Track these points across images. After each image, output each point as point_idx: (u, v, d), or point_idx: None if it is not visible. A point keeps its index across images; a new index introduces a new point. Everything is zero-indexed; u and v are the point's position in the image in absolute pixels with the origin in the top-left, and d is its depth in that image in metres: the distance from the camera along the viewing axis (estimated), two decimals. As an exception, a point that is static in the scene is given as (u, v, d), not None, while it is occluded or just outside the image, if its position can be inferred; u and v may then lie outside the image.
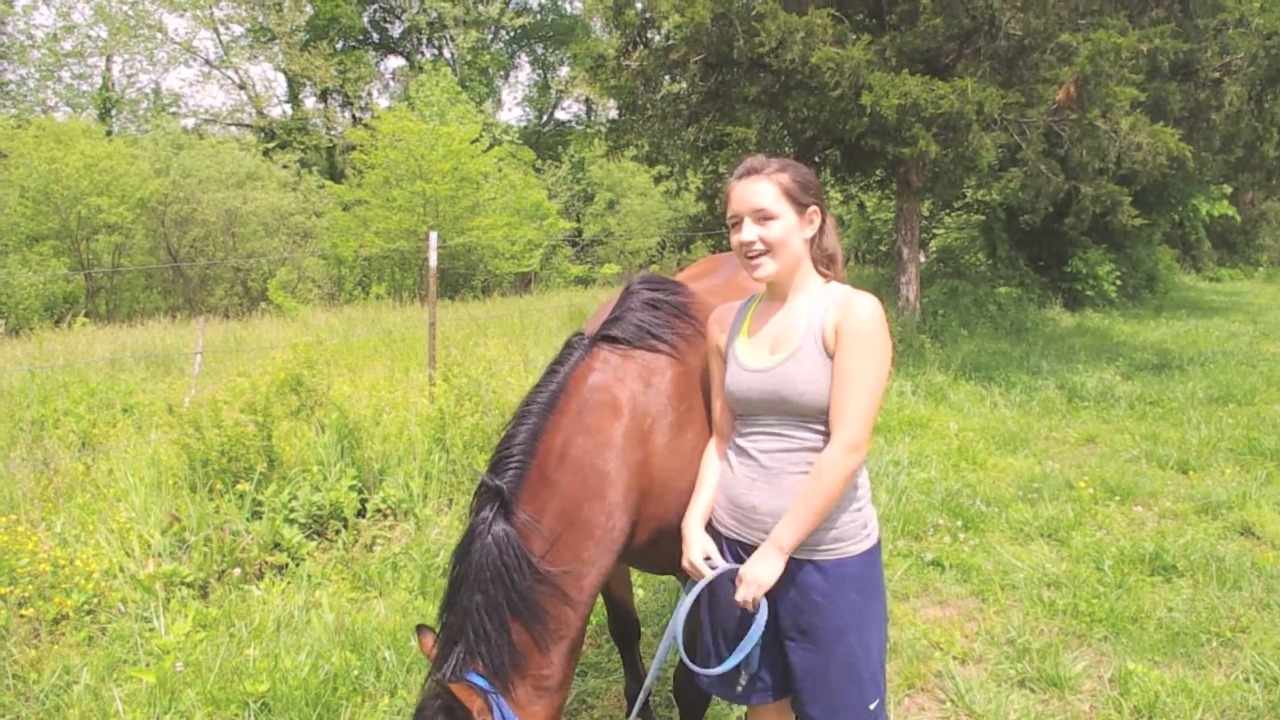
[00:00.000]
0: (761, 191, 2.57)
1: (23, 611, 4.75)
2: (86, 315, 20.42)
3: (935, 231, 24.05)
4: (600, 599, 3.95)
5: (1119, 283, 19.87)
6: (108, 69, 40.86)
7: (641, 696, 2.89)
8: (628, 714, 4.08)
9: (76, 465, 6.82)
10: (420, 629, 2.82)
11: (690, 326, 3.06)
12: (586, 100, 47.39)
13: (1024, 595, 5.33)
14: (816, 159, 15.86)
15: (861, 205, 22.54)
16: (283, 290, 21.58)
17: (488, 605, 2.61)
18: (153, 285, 27.58)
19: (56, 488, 6.37)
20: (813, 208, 2.63)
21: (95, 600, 4.95)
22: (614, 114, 17.59)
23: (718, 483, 2.77)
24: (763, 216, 2.56)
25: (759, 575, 2.51)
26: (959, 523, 6.46)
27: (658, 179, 16.14)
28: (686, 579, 2.88)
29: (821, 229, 2.68)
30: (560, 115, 51.33)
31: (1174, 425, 9.45)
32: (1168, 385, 11.41)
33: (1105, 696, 4.24)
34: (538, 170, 37.79)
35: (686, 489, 2.85)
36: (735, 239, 2.62)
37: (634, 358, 2.93)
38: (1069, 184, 12.87)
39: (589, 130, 37.08)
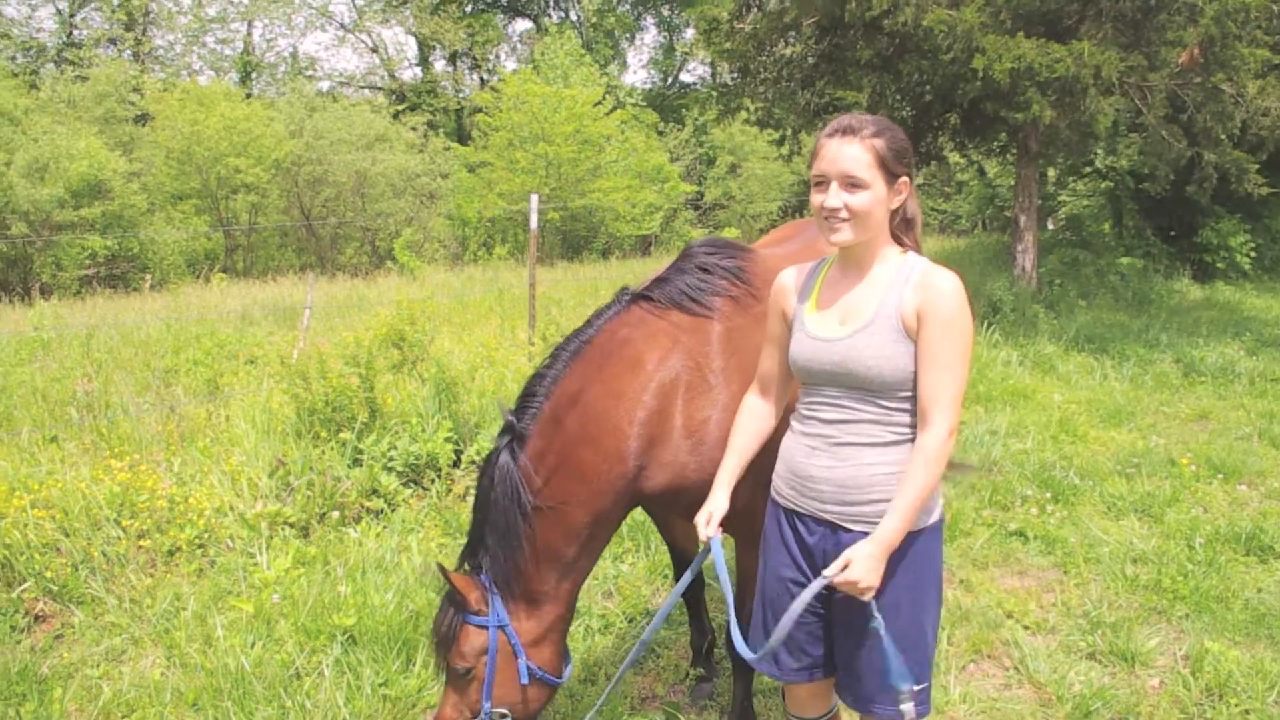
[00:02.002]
0: (855, 157, 2.41)
1: (141, 543, 5.16)
2: (224, 271, 21.36)
3: (1064, 199, 23.26)
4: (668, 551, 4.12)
5: (1254, 254, 18.89)
6: (249, 34, 42.37)
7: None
8: (692, 663, 4.24)
9: (199, 411, 7.27)
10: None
11: (741, 289, 3.14)
12: (711, 63, 47.02)
13: (1107, 570, 5.27)
14: (935, 123, 15.55)
15: (982, 170, 21.96)
16: (408, 250, 22.13)
17: (491, 526, 2.97)
18: (287, 244, 28.63)
19: (180, 431, 6.81)
20: (903, 178, 2.49)
21: (206, 535, 5.34)
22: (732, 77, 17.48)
23: (753, 441, 2.79)
24: (852, 184, 2.41)
25: (859, 576, 2.40)
26: (1048, 495, 6.38)
27: (779, 142, 16.00)
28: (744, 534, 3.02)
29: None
30: (685, 78, 51.06)
31: (1296, 403, 9.08)
32: (1296, 362, 10.91)
33: (1176, 673, 4.20)
34: (660, 133, 37.72)
35: (713, 445, 2.94)
36: (817, 200, 2.47)
37: (668, 317, 3.07)
38: (1191, 150, 12.33)
39: (701, 94, 36.86)
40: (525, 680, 2.99)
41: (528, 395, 3.06)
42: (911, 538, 2.50)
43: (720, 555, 2.78)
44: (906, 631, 2.54)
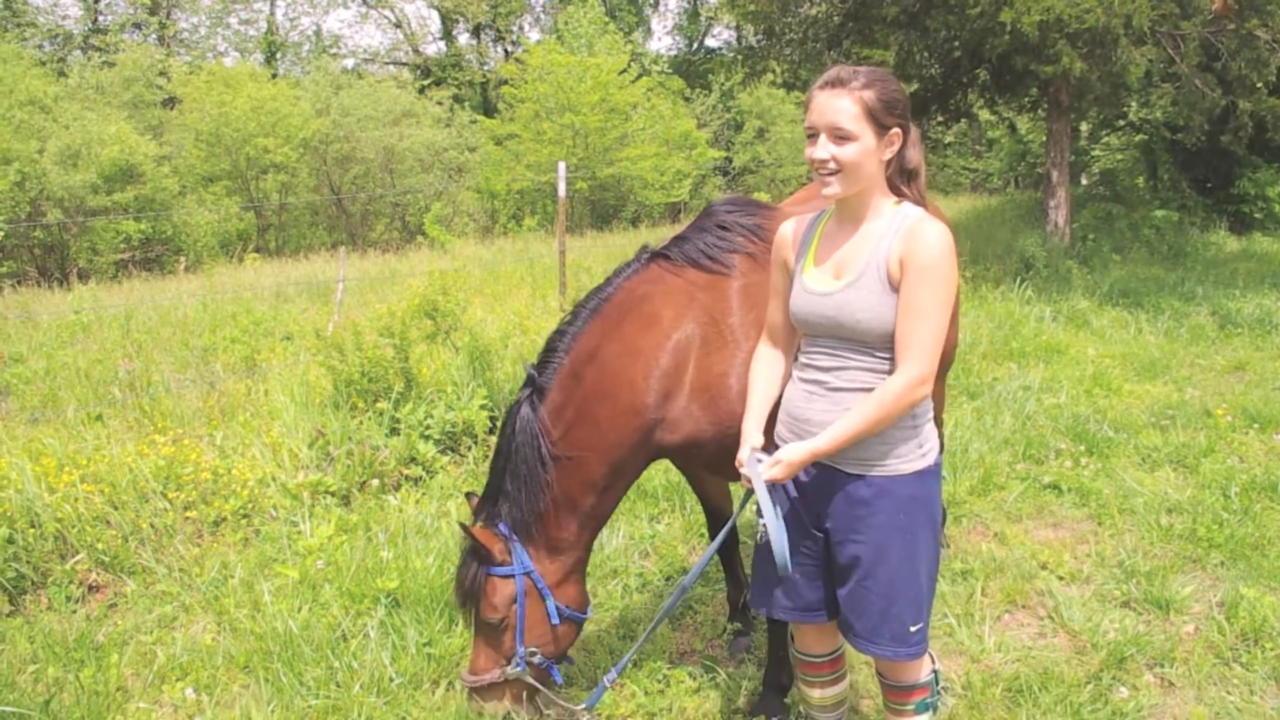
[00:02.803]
0: (842, 109, 2.40)
1: (188, 514, 5.28)
2: (256, 251, 21.55)
3: (1097, 154, 22.94)
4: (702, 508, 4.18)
5: (1293, 204, 18.60)
6: (272, 13, 42.47)
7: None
8: (729, 618, 4.31)
9: (238, 387, 7.39)
10: (469, 494, 3.40)
11: (759, 246, 3.20)
12: (737, 27, 46.61)
13: (1141, 520, 5.27)
14: (964, 80, 15.38)
15: (1013, 127, 21.67)
16: (438, 224, 22.22)
17: (512, 472, 3.09)
18: (318, 222, 28.77)
19: (220, 406, 6.93)
20: (895, 129, 2.47)
21: (250, 506, 5.46)
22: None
23: (771, 387, 2.82)
24: (840, 136, 2.41)
25: (784, 455, 2.56)
26: (1082, 447, 6.38)
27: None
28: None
29: (904, 144, 2.53)
30: (710, 43, 50.62)
31: (1335, 352, 8.99)
32: (1335, 311, 10.76)
33: (1211, 619, 4.21)
34: (687, 99, 37.49)
35: (733, 398, 3.02)
36: (808, 152, 2.47)
37: (685, 275, 3.16)
38: (1226, 99, 12.13)
39: (727, 59, 36.64)
40: (556, 620, 3.15)
41: (549, 351, 3.18)
42: (904, 480, 2.56)
43: (765, 491, 2.65)
44: (897, 573, 2.59)
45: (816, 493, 2.67)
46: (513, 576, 3.08)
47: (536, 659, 3.15)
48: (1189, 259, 15.31)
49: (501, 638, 3.13)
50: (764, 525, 2.63)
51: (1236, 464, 6.09)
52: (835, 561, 2.69)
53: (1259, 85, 12.00)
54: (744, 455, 2.70)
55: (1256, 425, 6.77)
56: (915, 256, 2.41)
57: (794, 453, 2.55)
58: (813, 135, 2.47)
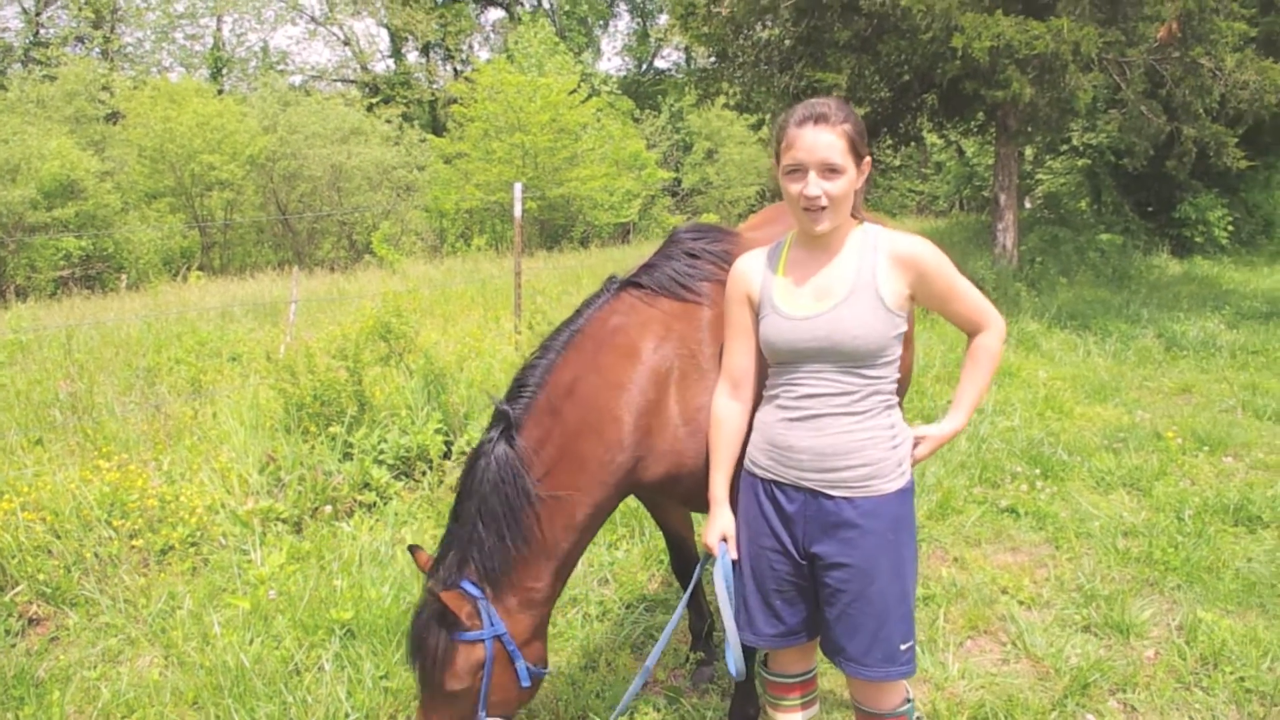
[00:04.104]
0: (832, 145, 2.44)
1: (134, 543, 5.13)
2: (200, 269, 21.20)
3: (1041, 178, 23.37)
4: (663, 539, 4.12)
5: (1231, 228, 19.04)
6: (218, 29, 42.11)
7: (656, 644, 3.04)
8: (692, 647, 4.25)
9: (185, 410, 7.22)
10: (412, 548, 3.07)
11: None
12: (686, 49, 46.96)
13: (1098, 543, 5.31)
14: (913, 104, 15.57)
15: (960, 150, 22.01)
16: (386, 243, 22.00)
17: (486, 516, 2.84)
18: (263, 240, 28.47)
19: (167, 430, 6.76)
20: (866, 158, 2.55)
21: (198, 534, 5.31)
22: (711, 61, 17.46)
23: (736, 446, 2.81)
24: (831, 171, 2.45)
25: (926, 453, 2.76)
26: (1038, 471, 6.43)
27: (755, 126, 15.97)
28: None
29: None
30: (660, 64, 50.97)
31: (1277, 375, 9.16)
32: (1275, 334, 10.98)
33: (1171, 643, 4.23)
34: (636, 120, 37.70)
35: (707, 431, 2.92)
36: (795, 189, 2.49)
37: (659, 304, 3.04)
38: (1170, 125, 12.39)
39: (676, 80, 36.85)
40: (526, 683, 2.90)
41: (519, 385, 2.99)
42: (887, 500, 2.60)
43: (730, 571, 2.80)
44: (887, 592, 2.61)
45: (803, 518, 2.65)
46: (482, 641, 2.79)
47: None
48: (1133, 282, 15.61)
49: (460, 704, 2.83)
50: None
51: (1188, 486, 6.16)
52: (823, 585, 2.67)
53: (1202, 112, 12.26)
54: (711, 539, 2.79)
55: (1206, 448, 6.87)
56: (919, 266, 2.55)
57: (935, 434, 2.76)
58: (797, 172, 2.49)
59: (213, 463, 5.97)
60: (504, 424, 2.91)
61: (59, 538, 5.00)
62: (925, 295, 2.59)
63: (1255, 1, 11.97)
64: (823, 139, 2.44)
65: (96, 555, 4.98)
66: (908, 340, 2.91)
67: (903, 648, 2.65)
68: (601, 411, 2.89)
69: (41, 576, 4.75)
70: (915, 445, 2.71)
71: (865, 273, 2.53)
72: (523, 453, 2.86)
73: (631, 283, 3.11)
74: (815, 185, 2.46)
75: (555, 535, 2.88)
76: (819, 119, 2.46)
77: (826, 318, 2.53)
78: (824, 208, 2.48)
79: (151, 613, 4.63)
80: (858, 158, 2.50)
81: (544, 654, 3.02)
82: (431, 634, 2.79)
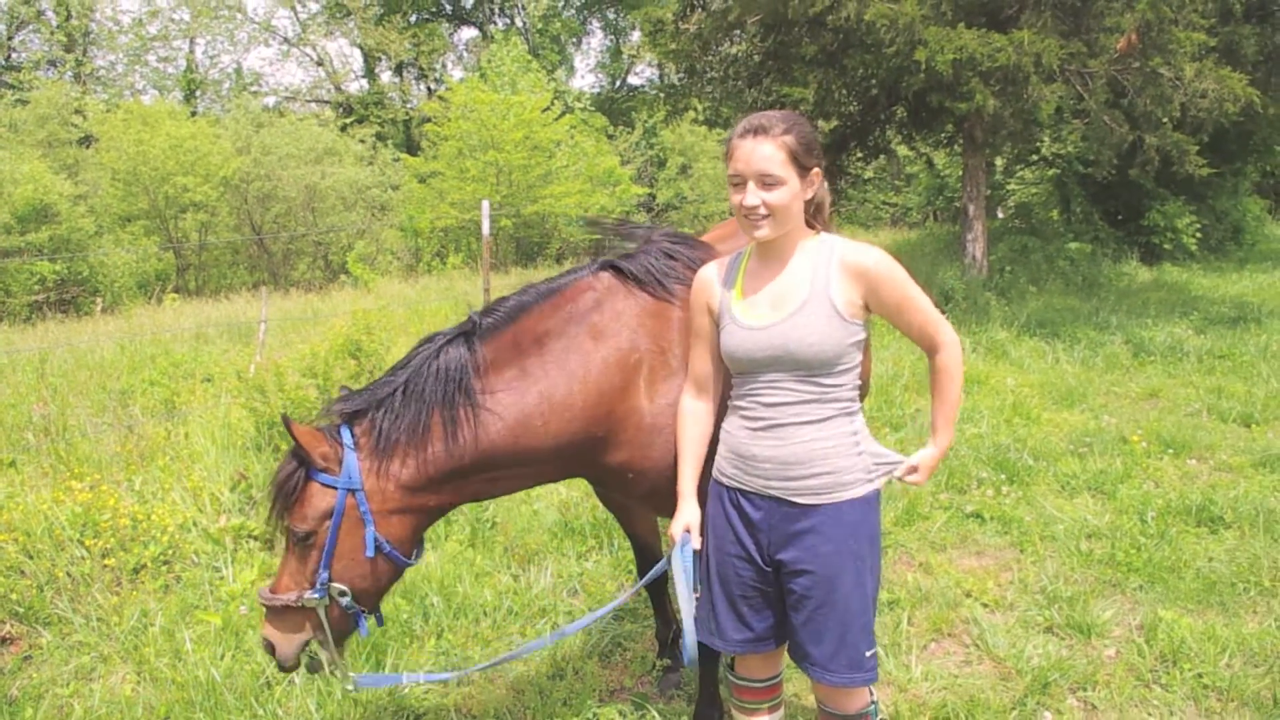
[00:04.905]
0: (769, 156, 2.50)
1: (106, 561, 5.14)
2: (175, 291, 21.12)
3: (1012, 188, 23.60)
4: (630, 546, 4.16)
5: (1199, 235, 19.25)
6: (191, 51, 41.93)
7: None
8: (658, 654, 4.29)
9: (158, 430, 7.23)
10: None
11: None
12: (659, 65, 47.18)
13: (1062, 546, 5.40)
14: (882, 117, 15.73)
15: (930, 162, 22.18)
16: (361, 262, 21.98)
17: (410, 392, 2.84)
18: (238, 261, 28.32)
19: (139, 450, 6.76)
20: (815, 169, 2.59)
21: (171, 552, 5.33)
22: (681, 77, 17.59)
23: (702, 446, 2.87)
24: (768, 182, 2.51)
25: (924, 478, 2.77)
26: (1003, 476, 6.51)
27: (725, 141, 16.10)
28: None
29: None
30: (633, 80, 51.14)
31: (1242, 379, 9.30)
32: (1241, 339, 11.15)
33: (1131, 643, 4.31)
34: (610, 136, 37.77)
35: (675, 429, 2.96)
36: (736, 199, 2.56)
37: (636, 297, 3.09)
38: (1133, 134, 12.57)
39: (649, 97, 36.99)
40: (370, 553, 2.78)
41: (492, 309, 3.01)
42: (853, 506, 2.63)
43: (691, 561, 2.84)
44: (851, 598, 2.64)
45: (768, 526, 2.69)
46: (334, 489, 2.73)
47: (345, 601, 2.79)
48: (1103, 289, 15.78)
49: (308, 556, 2.78)
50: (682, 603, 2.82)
51: (1152, 489, 6.26)
52: (789, 592, 2.71)
53: (1164, 120, 12.45)
54: (676, 529, 2.84)
55: (1170, 451, 6.98)
56: (870, 270, 2.56)
57: (929, 459, 2.75)
58: (738, 182, 2.56)
59: (185, 482, 5.98)
60: (472, 330, 2.94)
61: (31, 558, 5.01)
62: (878, 305, 2.61)
63: (1214, 12, 12.14)
64: (760, 150, 2.51)
65: (69, 574, 4.99)
66: (867, 349, 2.96)
67: (867, 654, 2.69)
68: (554, 383, 2.90)
69: (14, 596, 4.76)
70: (911, 473, 2.73)
71: (819, 282, 2.58)
72: (479, 360, 2.87)
73: (613, 265, 3.15)
74: (754, 195, 2.52)
75: (469, 444, 2.83)
76: (758, 131, 2.53)
77: (782, 327, 2.57)
78: (765, 216, 2.54)
79: (124, 630, 4.65)
80: (801, 169, 2.55)
81: (407, 541, 2.89)
82: (289, 463, 2.78)
